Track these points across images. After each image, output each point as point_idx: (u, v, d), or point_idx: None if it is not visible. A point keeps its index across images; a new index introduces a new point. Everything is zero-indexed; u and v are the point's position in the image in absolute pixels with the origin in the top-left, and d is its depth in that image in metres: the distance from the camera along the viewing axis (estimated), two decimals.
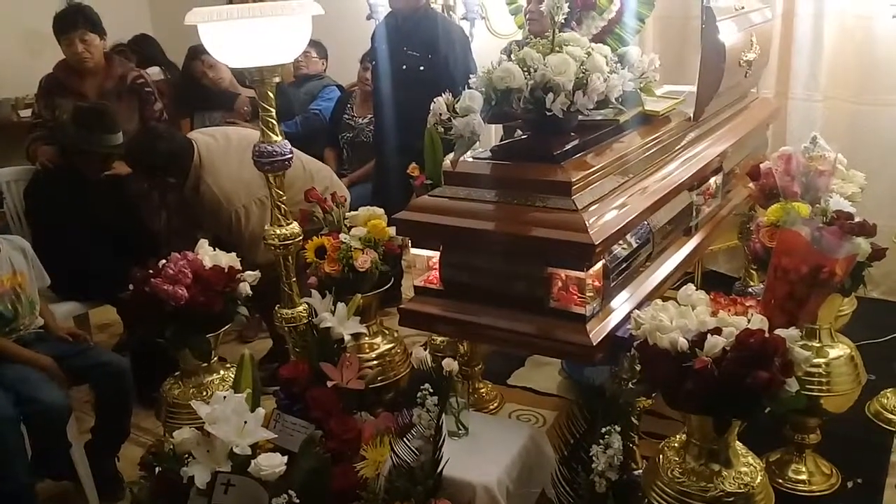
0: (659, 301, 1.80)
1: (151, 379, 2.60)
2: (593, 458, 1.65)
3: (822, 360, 2.24)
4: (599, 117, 2.23)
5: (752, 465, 1.79)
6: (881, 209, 3.16)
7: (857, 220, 2.17)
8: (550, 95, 1.89)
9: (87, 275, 2.99)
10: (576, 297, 1.90)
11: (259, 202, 3.00)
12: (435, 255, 2.10)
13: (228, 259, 2.39)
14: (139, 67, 3.66)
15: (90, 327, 3.34)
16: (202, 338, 2.32)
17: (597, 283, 1.92)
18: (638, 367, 1.82)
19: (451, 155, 2.04)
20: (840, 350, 2.31)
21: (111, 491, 2.60)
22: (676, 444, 1.84)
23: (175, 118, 3.90)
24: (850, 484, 2.41)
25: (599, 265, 1.90)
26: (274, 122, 2.31)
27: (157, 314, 2.24)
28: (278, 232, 2.41)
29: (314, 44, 4.38)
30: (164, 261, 2.30)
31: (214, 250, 2.42)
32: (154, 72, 4.12)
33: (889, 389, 2.77)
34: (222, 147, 3.02)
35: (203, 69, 3.95)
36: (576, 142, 2.08)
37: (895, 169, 3.41)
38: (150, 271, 2.27)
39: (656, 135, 2.35)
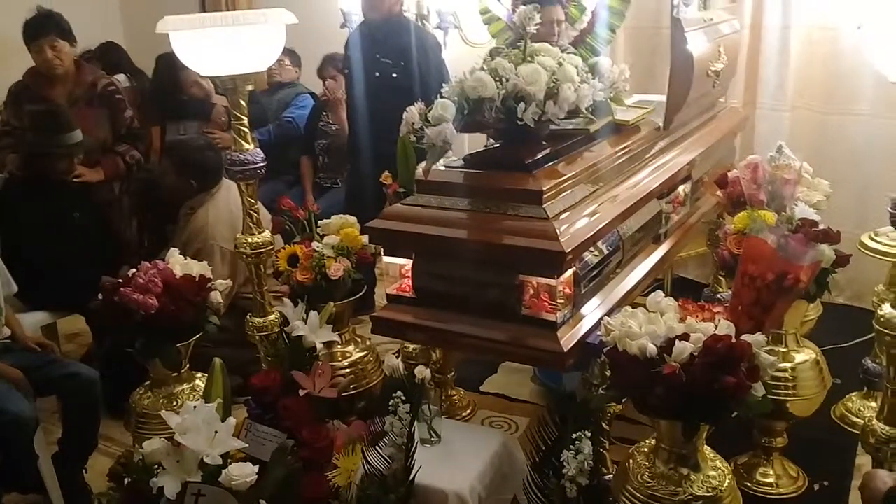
0: (629, 308, 1.82)
1: (121, 389, 2.57)
2: (564, 463, 1.66)
3: (788, 365, 2.28)
4: (570, 126, 2.25)
5: (720, 468, 1.82)
6: (846, 217, 3.23)
7: (821, 227, 2.22)
8: (522, 105, 1.91)
9: (57, 284, 2.95)
10: (547, 304, 1.92)
11: (227, 254, 3.04)
12: (407, 264, 2.10)
13: (199, 268, 2.38)
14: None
15: (59, 337, 3.30)
16: (172, 347, 2.30)
17: (567, 291, 1.94)
18: (608, 373, 1.84)
19: (424, 163, 2.05)
20: (805, 355, 2.36)
21: (79, 503, 2.57)
22: (646, 449, 1.86)
23: (144, 126, 3.87)
24: (816, 486, 2.46)
25: (570, 272, 1.92)
26: (246, 130, 2.31)
27: (127, 324, 2.22)
28: (250, 240, 2.41)
29: (288, 52, 4.38)
30: (133, 270, 2.28)
31: (185, 259, 2.41)
32: (120, 79, 4.09)
33: (854, 393, 2.83)
34: (235, 193, 3.06)
35: (188, 83, 3.93)
36: (547, 151, 2.10)
37: (859, 177, 3.49)
38: (120, 280, 2.25)
39: (626, 144, 2.38)
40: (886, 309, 1.85)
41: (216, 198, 3.20)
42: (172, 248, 2.45)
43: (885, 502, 1.41)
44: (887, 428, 1.89)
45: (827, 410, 2.69)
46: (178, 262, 2.35)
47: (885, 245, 2.73)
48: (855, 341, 3.13)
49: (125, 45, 4.80)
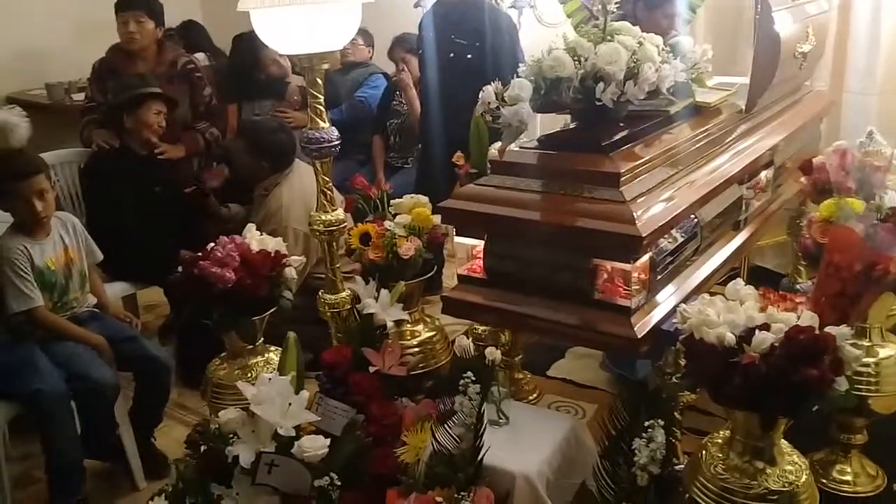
0: (706, 295, 1.78)
1: (197, 360, 2.65)
2: (635, 451, 1.64)
3: (871, 360, 2.19)
4: (649, 108, 2.20)
5: (796, 463, 1.77)
6: None
7: None
8: (601, 85, 1.87)
9: (139, 256, 3.06)
10: (621, 289, 1.89)
11: (301, 235, 3.10)
12: (479, 244, 2.10)
13: (275, 244, 2.43)
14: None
15: (138, 308, 3.42)
16: (248, 320, 2.36)
17: (643, 276, 1.90)
18: (682, 362, 1.81)
19: (498, 144, 2.04)
20: (890, 350, 2.26)
21: (155, 469, 2.67)
22: (720, 440, 1.82)
23: (222, 104, 3.96)
24: (895, 486, 2.37)
25: (646, 258, 1.89)
26: (322, 108, 2.33)
27: (205, 296, 2.28)
28: (323, 218, 2.44)
29: (361, 31, 4.40)
30: (212, 244, 2.34)
31: (261, 235, 2.46)
32: (200, 58, 4.18)
33: None
34: (310, 175, 3.11)
35: (267, 62, 4.00)
36: (625, 132, 2.06)
37: None
38: (199, 254, 2.31)
39: (707, 127, 2.32)
40: None
41: (290, 179, 3.25)
42: (249, 224, 2.50)
43: None
44: None
45: None
46: (254, 238, 2.40)
47: None
48: None
49: (204, 23, 4.90)
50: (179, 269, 2.33)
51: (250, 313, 2.35)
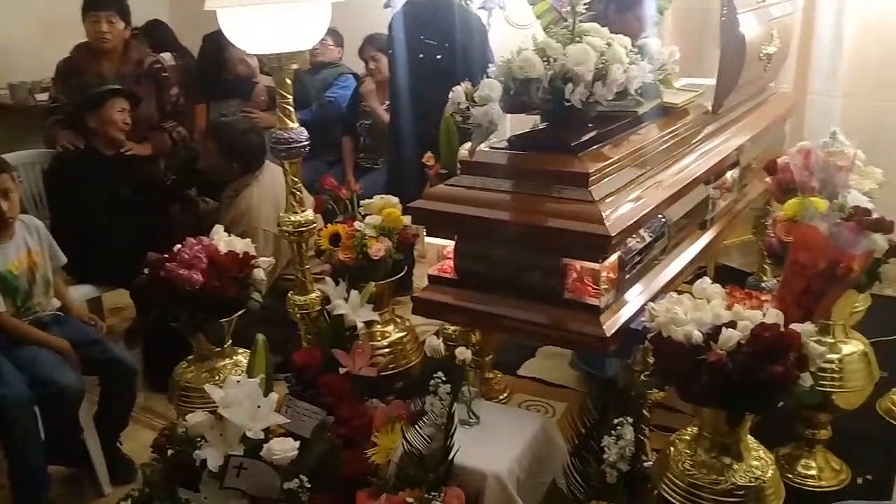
0: (674, 294, 1.80)
1: (164, 363, 2.62)
2: (605, 449, 1.65)
3: (835, 357, 2.23)
4: (618, 109, 2.21)
5: (763, 458, 1.80)
6: None
7: (874, 216, 2.16)
8: (570, 86, 1.88)
9: (103, 258, 3.01)
10: (590, 288, 1.90)
11: (271, 236, 3.07)
12: (449, 245, 2.10)
13: (243, 245, 2.40)
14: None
15: (103, 311, 3.37)
16: (216, 322, 2.34)
17: (612, 275, 1.92)
18: (651, 360, 1.82)
19: (468, 144, 2.04)
20: (853, 346, 2.31)
21: (121, 474, 2.62)
22: (688, 437, 1.85)
23: (190, 104, 3.92)
24: (859, 480, 2.41)
25: (615, 257, 1.90)
26: (291, 109, 2.32)
27: (172, 299, 2.25)
28: (293, 219, 2.42)
29: (330, 31, 4.37)
30: (179, 246, 2.31)
31: (230, 236, 2.44)
32: (166, 57, 4.13)
33: None
34: (280, 176, 3.09)
35: (234, 62, 3.96)
36: (593, 133, 2.07)
37: None
38: (166, 256, 2.28)
39: (674, 127, 2.34)
40: None
41: (260, 181, 3.22)
42: (217, 225, 2.48)
43: None
44: None
45: (872, 404, 2.63)
46: (222, 239, 2.38)
47: None
48: None
49: (170, 22, 4.84)
50: (146, 271, 2.30)
51: (218, 315, 2.33)
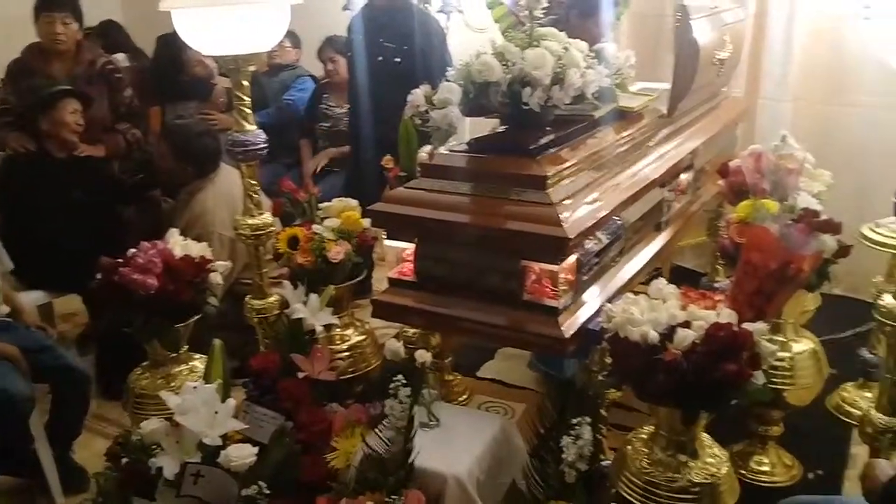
0: (630, 294, 1.82)
1: (117, 369, 2.57)
2: (563, 449, 1.66)
3: (786, 355, 2.29)
4: (575, 112, 2.24)
5: (717, 456, 1.83)
6: (846, 207, 3.23)
7: (823, 217, 2.21)
8: (528, 89, 1.89)
9: (55, 263, 2.94)
10: (549, 290, 1.92)
11: (227, 240, 3.04)
12: (409, 248, 2.10)
13: (199, 249, 2.37)
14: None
15: (54, 317, 3.29)
16: (171, 328, 2.30)
17: (570, 277, 1.93)
18: (608, 360, 1.84)
19: (428, 147, 2.04)
20: (804, 345, 2.37)
21: (74, 483, 2.57)
22: (644, 436, 1.87)
23: (144, 106, 3.85)
24: (811, 475, 2.48)
25: (573, 259, 1.92)
26: (248, 111, 2.30)
27: (126, 304, 2.22)
28: (250, 222, 2.40)
29: (288, 33, 4.32)
30: (133, 250, 2.27)
31: (185, 239, 2.40)
32: (119, 58, 4.06)
33: (849, 383, 2.84)
34: (236, 179, 3.05)
35: (192, 63, 3.91)
36: (551, 136, 2.09)
37: (860, 168, 3.49)
38: (119, 260, 2.24)
39: (630, 131, 2.37)
40: (887, 300, 1.86)
41: (215, 183, 3.19)
42: (172, 229, 2.44)
43: (886, 491, 1.42)
44: (885, 418, 1.90)
45: (822, 401, 2.70)
46: (177, 243, 2.35)
47: (887, 237, 2.74)
48: (851, 332, 3.14)
49: (124, 23, 4.76)
50: (99, 275, 2.26)
51: (174, 320, 2.29)
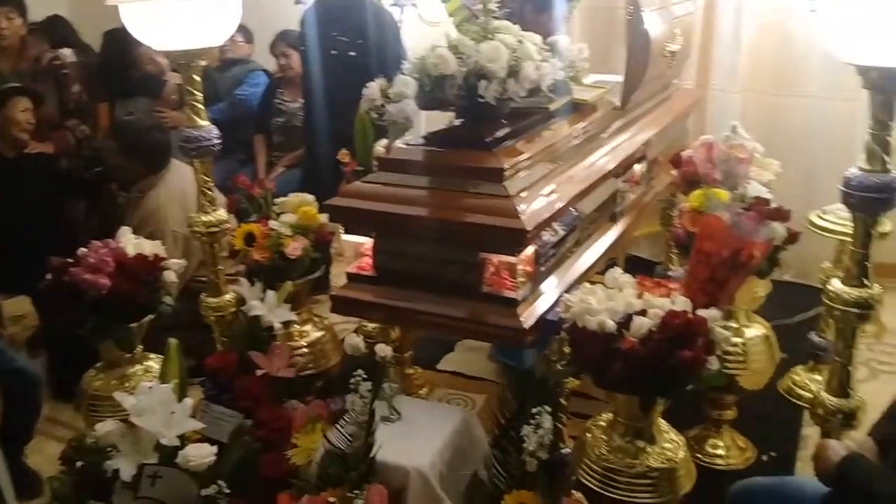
0: (587, 284, 1.84)
1: (70, 371, 2.51)
2: (524, 438, 1.68)
3: (739, 340, 2.34)
4: (530, 105, 2.25)
5: (674, 441, 1.86)
6: (794, 195, 3.31)
7: (773, 205, 2.27)
8: (483, 82, 1.90)
9: (3, 264, 2.87)
10: (507, 281, 1.93)
11: (180, 238, 3.00)
12: (367, 242, 2.09)
13: (152, 247, 2.33)
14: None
15: (3, 319, 3.20)
16: (125, 328, 2.26)
17: (528, 268, 1.95)
18: (567, 349, 1.86)
19: (384, 141, 2.03)
20: (756, 330, 2.42)
21: (27, 489, 2.50)
22: (603, 423, 1.90)
23: (93, 102, 3.76)
24: (764, 457, 2.54)
25: (530, 250, 1.93)
26: (200, 106, 2.27)
27: (78, 304, 2.17)
28: (204, 219, 2.37)
29: (240, 28, 4.26)
30: (84, 249, 2.22)
31: (137, 238, 2.36)
32: (66, 54, 3.96)
33: (800, 367, 2.92)
34: (189, 175, 2.99)
35: (143, 60, 3.82)
36: (507, 129, 2.10)
37: (807, 157, 3.59)
38: (70, 260, 2.19)
39: (584, 123, 2.40)
40: (835, 284, 1.91)
41: (166, 180, 3.14)
42: (124, 227, 2.39)
43: (838, 471, 1.46)
44: (835, 399, 1.95)
45: (774, 384, 2.76)
46: (130, 242, 2.30)
47: (833, 223, 2.81)
48: (801, 317, 3.23)
49: (70, 18, 4.63)
50: (49, 276, 2.20)
51: (127, 320, 2.26)
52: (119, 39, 3.74)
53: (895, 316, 3.16)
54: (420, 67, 1.95)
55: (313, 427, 1.95)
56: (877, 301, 1.88)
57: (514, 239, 1.84)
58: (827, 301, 1.94)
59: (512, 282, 1.92)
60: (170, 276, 2.31)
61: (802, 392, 2.80)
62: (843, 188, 1.80)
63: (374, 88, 2.01)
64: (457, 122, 2.19)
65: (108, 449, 1.82)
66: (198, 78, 2.24)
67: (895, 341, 3.20)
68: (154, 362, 2.35)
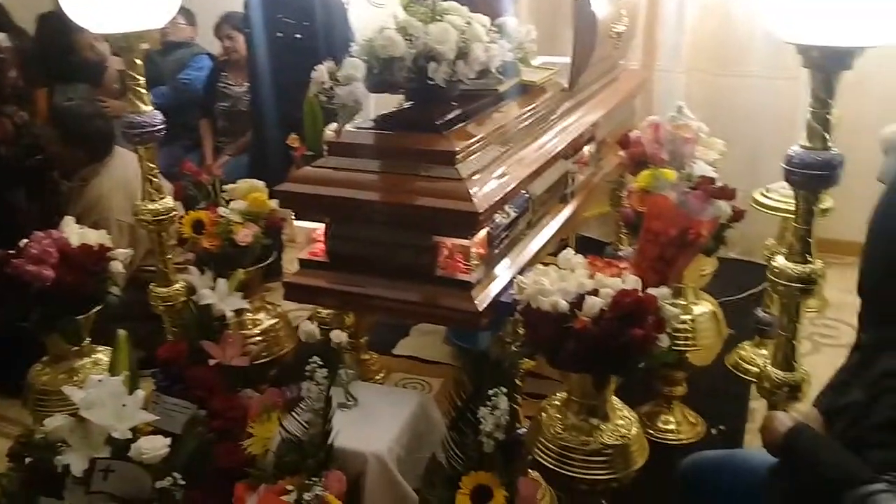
0: (540, 266, 1.86)
1: (15, 366, 2.44)
2: (481, 420, 1.69)
3: (687, 317, 2.39)
4: (480, 87, 2.24)
5: (627, 417, 1.90)
6: (739, 174, 3.39)
7: (718, 184, 2.31)
8: (433, 64, 1.89)
9: None
10: (461, 264, 1.93)
11: (125, 227, 2.94)
12: (319, 227, 2.07)
13: (97, 237, 2.27)
14: None
15: None
16: (72, 320, 2.21)
17: (481, 251, 1.95)
18: (521, 331, 1.88)
19: (334, 125, 2.01)
20: (704, 307, 2.48)
21: None
22: (558, 402, 1.92)
23: (29, 88, 3.63)
24: (714, 431, 2.60)
25: (483, 233, 1.94)
26: (143, 91, 2.21)
27: (20, 297, 2.11)
28: (150, 207, 2.32)
29: (181, 10, 4.16)
30: (26, 240, 2.16)
31: (81, 228, 2.30)
32: (0, 38, 3.81)
33: (746, 342, 3.00)
34: (133, 162, 2.90)
35: (82, 45, 3.70)
36: (458, 111, 2.10)
37: (751, 136, 3.67)
38: (11, 251, 2.13)
39: (534, 105, 2.40)
40: (780, 261, 1.95)
41: (109, 168, 3.06)
42: (67, 217, 2.33)
43: (785, 441, 1.50)
44: (781, 373, 2.01)
45: (722, 360, 2.84)
46: (74, 231, 2.24)
47: (777, 201, 2.89)
48: (746, 293, 3.31)
49: (2, 1, 4.46)
50: None
51: (74, 312, 2.21)
52: (54, 23, 3.63)
53: (837, 290, 3.27)
54: (368, 50, 1.93)
55: (269, 416, 1.93)
56: (819, 276, 1.94)
57: (467, 222, 1.84)
58: (771, 277, 1.99)
59: (466, 265, 1.93)
60: (116, 267, 2.26)
61: (749, 367, 2.88)
62: (785, 166, 1.85)
63: (322, 71, 1.98)
64: (407, 105, 2.18)
65: (58, 444, 1.78)
66: (139, 62, 2.18)
67: (837, 315, 3.30)
68: (103, 355, 2.30)
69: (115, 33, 2.11)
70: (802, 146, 1.83)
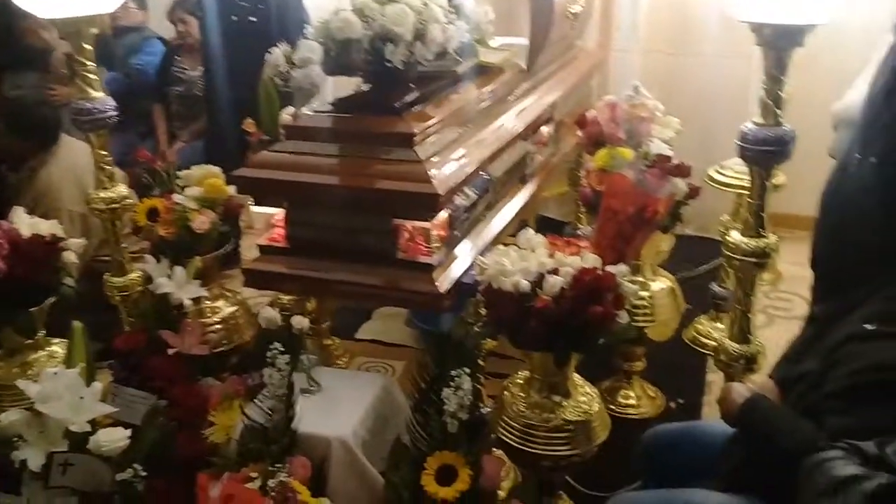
0: (501, 246, 1.87)
1: None
2: (445, 400, 1.70)
3: (646, 294, 2.42)
4: (438, 69, 2.24)
5: (589, 394, 1.93)
6: (694, 152, 3.43)
7: (674, 162, 2.34)
8: (390, 46, 1.88)
9: None
10: (422, 247, 1.93)
11: (77, 216, 2.87)
12: (278, 213, 2.05)
13: (49, 227, 2.22)
14: None
15: None
16: (24, 313, 2.16)
17: (442, 233, 1.96)
18: (483, 311, 1.89)
19: (290, 108, 1.98)
20: (661, 283, 2.52)
21: None
22: (520, 381, 1.94)
23: None
24: (673, 404, 2.66)
25: (444, 215, 1.94)
26: (94, 76, 2.16)
27: None
28: (103, 195, 2.27)
29: None
30: None
31: (32, 218, 2.24)
32: None
33: (703, 316, 3.05)
34: (83, 151, 2.82)
35: (24, 31, 3.58)
36: (416, 93, 2.09)
37: (705, 114, 3.72)
38: None
39: (492, 86, 2.40)
40: (734, 236, 1.99)
41: (58, 156, 2.99)
42: (17, 207, 2.26)
43: (742, 412, 1.54)
44: (737, 345, 2.05)
45: (679, 335, 2.88)
46: (24, 222, 2.18)
47: (731, 177, 2.93)
48: (702, 268, 3.37)
49: None
50: None
51: (27, 305, 2.16)
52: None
53: (790, 264, 3.35)
54: (324, 32, 1.91)
55: (230, 404, 1.92)
56: (773, 250, 1.98)
57: (426, 204, 1.84)
58: (727, 252, 2.03)
59: (426, 247, 1.93)
60: (69, 257, 2.21)
61: (706, 340, 2.93)
62: (739, 142, 1.88)
63: (277, 54, 1.95)
64: (364, 88, 2.16)
65: (14, 439, 1.74)
66: (89, 47, 2.13)
67: (791, 288, 3.38)
68: (58, 347, 2.25)
69: (62, 18, 2.05)
70: (755, 123, 1.86)
